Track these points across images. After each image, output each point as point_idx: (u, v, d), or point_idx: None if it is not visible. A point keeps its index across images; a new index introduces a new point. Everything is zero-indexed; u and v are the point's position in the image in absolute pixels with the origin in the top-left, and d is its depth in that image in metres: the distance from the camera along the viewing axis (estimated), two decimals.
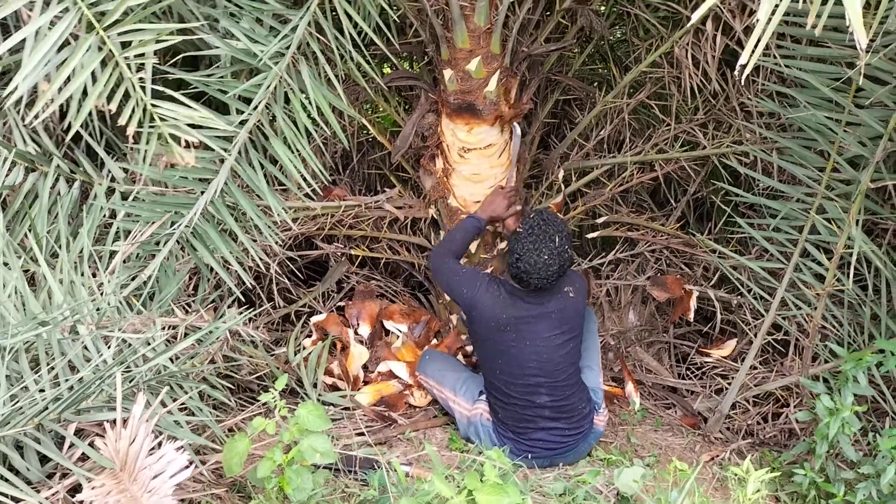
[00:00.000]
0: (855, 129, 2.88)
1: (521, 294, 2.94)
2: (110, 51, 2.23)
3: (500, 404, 3.02)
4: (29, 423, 1.92)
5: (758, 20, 1.24)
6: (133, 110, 2.32)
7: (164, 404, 2.10)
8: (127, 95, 2.30)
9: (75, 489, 1.94)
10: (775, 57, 2.90)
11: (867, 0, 2.43)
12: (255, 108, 2.74)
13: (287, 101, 2.82)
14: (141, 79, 2.32)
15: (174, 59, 3.01)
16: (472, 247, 3.45)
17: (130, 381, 2.16)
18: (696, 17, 1.32)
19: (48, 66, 2.22)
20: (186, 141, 2.44)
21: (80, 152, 3.07)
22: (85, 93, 2.31)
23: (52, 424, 2.00)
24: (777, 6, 1.21)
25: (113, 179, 3.00)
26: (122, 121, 2.31)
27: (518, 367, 2.94)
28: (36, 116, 2.30)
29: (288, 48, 2.72)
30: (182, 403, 2.23)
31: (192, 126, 2.38)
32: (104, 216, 2.91)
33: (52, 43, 2.19)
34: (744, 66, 1.25)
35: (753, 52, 1.23)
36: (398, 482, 2.32)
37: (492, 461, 2.09)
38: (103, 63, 2.28)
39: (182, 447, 1.68)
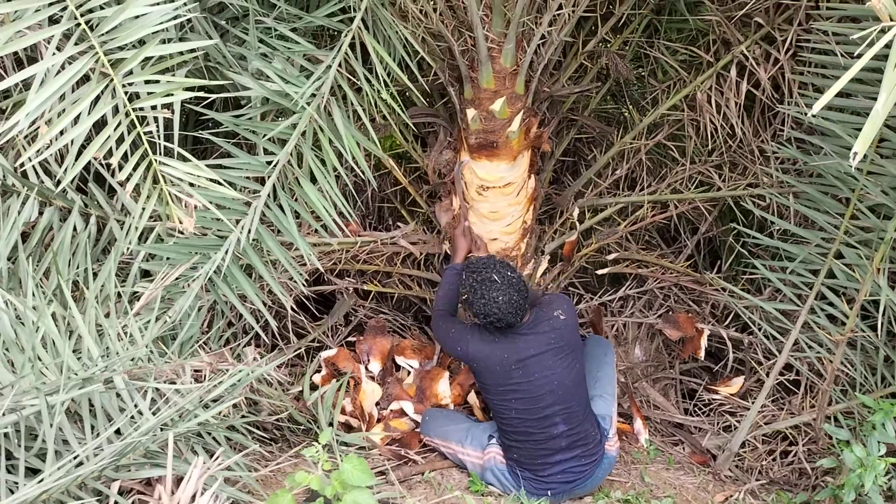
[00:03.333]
0: (876, 178, 2.93)
1: (509, 331, 2.94)
2: (122, 100, 2.06)
3: (514, 443, 3.00)
4: (72, 482, 1.85)
5: (876, 110, 1.24)
6: (136, 165, 2.13)
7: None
8: (133, 148, 2.12)
9: None
10: (798, 105, 2.94)
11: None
12: (287, 148, 2.69)
13: (315, 141, 2.79)
14: (149, 132, 2.13)
15: (206, 100, 2.96)
16: None
17: (165, 434, 2.10)
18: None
19: (53, 108, 2.06)
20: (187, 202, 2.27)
21: (94, 185, 3.01)
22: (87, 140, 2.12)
23: (93, 483, 1.93)
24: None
25: (127, 213, 2.93)
26: (121, 176, 2.14)
27: (532, 401, 2.93)
28: (37, 154, 2.14)
29: (320, 88, 2.70)
30: (217, 456, 2.17)
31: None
32: (122, 254, 2.85)
33: (62, 84, 2.01)
34: (856, 153, 1.25)
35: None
36: None
37: None
38: (113, 112, 2.09)
39: None
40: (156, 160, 2.09)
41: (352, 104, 2.82)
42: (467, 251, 3.30)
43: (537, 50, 3.10)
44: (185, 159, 2.14)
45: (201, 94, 2.23)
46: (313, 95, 2.70)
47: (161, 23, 1.95)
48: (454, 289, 3.21)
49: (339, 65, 2.75)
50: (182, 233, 2.81)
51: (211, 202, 2.65)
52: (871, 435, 2.68)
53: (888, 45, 1.42)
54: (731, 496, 3.30)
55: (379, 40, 2.90)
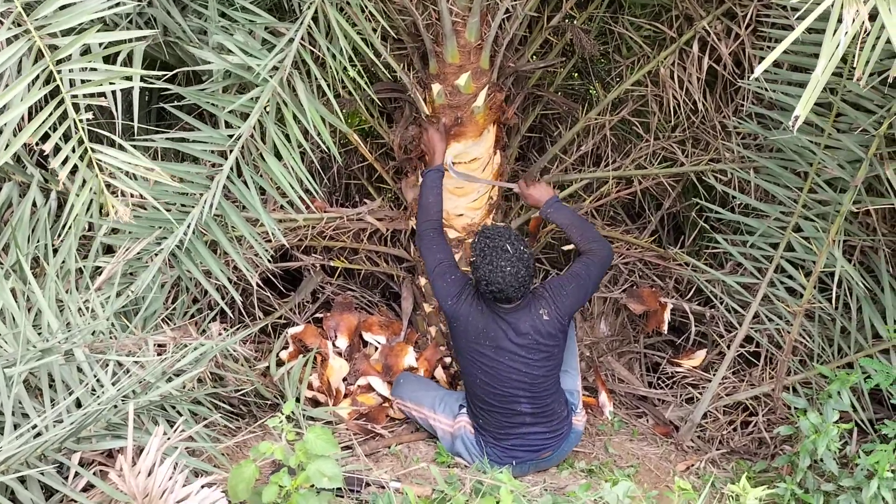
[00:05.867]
0: (833, 152, 2.99)
1: (499, 310, 2.93)
2: (57, 86, 2.03)
3: (481, 411, 3.04)
4: (32, 454, 1.85)
5: (813, 73, 1.27)
6: (72, 151, 2.10)
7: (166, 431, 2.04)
8: (67, 136, 2.08)
9: None
10: (758, 80, 2.98)
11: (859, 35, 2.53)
12: (250, 122, 2.67)
13: (279, 115, 2.77)
14: (84, 119, 2.09)
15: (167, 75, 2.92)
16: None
17: (127, 406, 2.09)
18: None
19: None
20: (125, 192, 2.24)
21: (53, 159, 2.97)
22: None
23: (53, 454, 1.92)
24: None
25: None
26: (54, 163, 2.10)
27: (497, 379, 2.96)
28: None
29: (283, 62, 2.67)
30: (182, 428, 2.17)
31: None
32: (83, 230, 2.81)
33: None
34: (797, 117, 1.28)
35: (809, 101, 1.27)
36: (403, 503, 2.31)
37: (504, 483, 2.11)
38: (47, 98, 2.06)
39: (214, 483, 1.63)
40: (91, 148, 2.03)
41: (315, 79, 2.80)
42: (444, 150, 3.19)
43: (502, 24, 3.10)
44: (125, 148, 2.09)
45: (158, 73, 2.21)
46: (276, 69, 2.68)
47: (100, 10, 1.92)
48: (440, 191, 3.14)
49: (302, 38, 2.72)
50: (144, 207, 2.79)
51: (173, 177, 2.65)
52: (827, 403, 2.75)
53: (824, 17, 1.45)
54: (693, 465, 3.36)
55: (343, 14, 2.88)
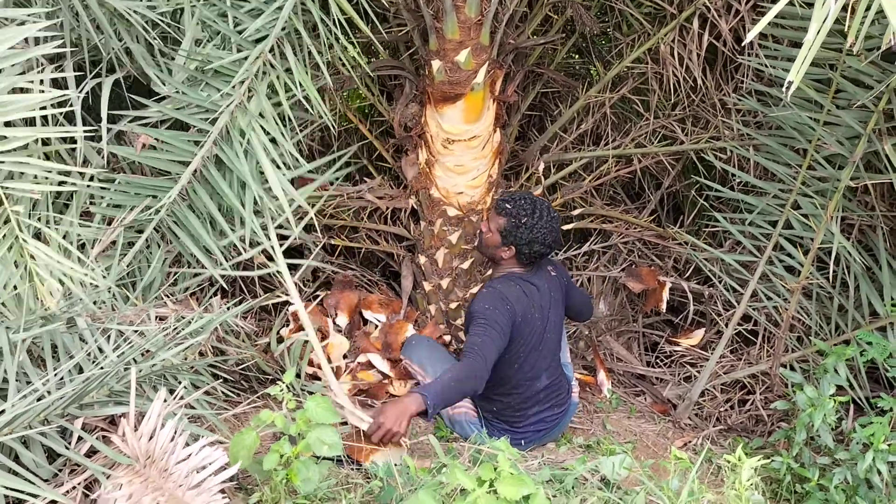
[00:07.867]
0: (832, 128, 2.99)
1: (528, 277, 2.98)
2: None
3: (499, 398, 3.03)
4: (35, 418, 1.86)
5: (805, 39, 1.28)
6: (5, 236, 2.19)
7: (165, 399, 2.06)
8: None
9: (88, 486, 1.90)
10: (758, 57, 2.98)
11: (850, 5, 2.53)
12: (242, 82, 2.66)
13: (269, 86, 2.76)
14: (17, 211, 2.20)
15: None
16: (454, 238, 3.47)
17: (129, 375, 2.11)
18: None
19: None
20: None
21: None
22: None
23: (56, 419, 1.94)
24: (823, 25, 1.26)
25: (86, 162, 2.91)
26: None
27: (536, 354, 2.98)
28: None
29: (273, 28, 2.67)
30: (181, 396, 2.19)
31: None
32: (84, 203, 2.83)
33: None
34: (791, 83, 1.29)
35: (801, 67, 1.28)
36: (403, 473, 2.33)
37: (502, 451, 2.13)
38: None
39: (215, 443, 1.65)
40: (23, 240, 2.13)
41: (308, 50, 2.77)
42: (405, 403, 2.60)
43: (502, 0, 3.10)
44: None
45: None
46: (266, 36, 2.68)
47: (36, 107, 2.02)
48: (443, 379, 2.71)
49: (295, 7, 2.70)
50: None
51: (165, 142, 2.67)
52: (823, 377, 2.76)
53: None
54: (690, 441, 3.39)
55: None
